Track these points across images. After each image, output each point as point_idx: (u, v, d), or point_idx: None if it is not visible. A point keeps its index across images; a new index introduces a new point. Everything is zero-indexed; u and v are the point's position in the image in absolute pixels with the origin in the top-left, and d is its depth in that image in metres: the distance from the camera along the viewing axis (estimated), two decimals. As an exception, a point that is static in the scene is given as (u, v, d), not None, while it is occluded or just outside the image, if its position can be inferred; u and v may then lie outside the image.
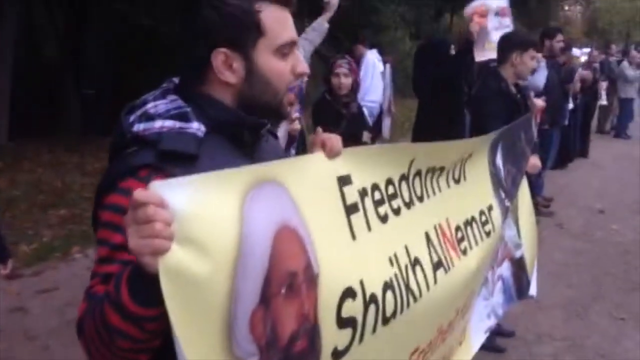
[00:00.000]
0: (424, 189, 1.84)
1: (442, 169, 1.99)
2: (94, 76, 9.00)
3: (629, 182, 7.90)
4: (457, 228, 2.05)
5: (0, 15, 7.85)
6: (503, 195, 2.58)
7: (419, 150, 1.82)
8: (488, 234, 2.29)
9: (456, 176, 2.15)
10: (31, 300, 3.94)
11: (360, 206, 1.43)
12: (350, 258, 1.33)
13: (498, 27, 5.68)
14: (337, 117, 3.83)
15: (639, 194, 7.22)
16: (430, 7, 25.09)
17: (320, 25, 3.19)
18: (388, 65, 7.44)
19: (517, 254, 3.11)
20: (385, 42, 18.92)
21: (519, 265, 3.15)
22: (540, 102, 3.15)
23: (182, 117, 1.12)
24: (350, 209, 1.39)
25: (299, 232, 1.16)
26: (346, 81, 3.86)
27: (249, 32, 1.13)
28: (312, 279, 1.15)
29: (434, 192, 1.92)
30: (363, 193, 1.46)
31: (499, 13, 6.35)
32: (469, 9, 7.00)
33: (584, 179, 8.03)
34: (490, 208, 2.38)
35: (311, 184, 1.27)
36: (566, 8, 46.37)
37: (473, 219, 2.21)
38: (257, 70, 1.16)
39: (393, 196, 1.61)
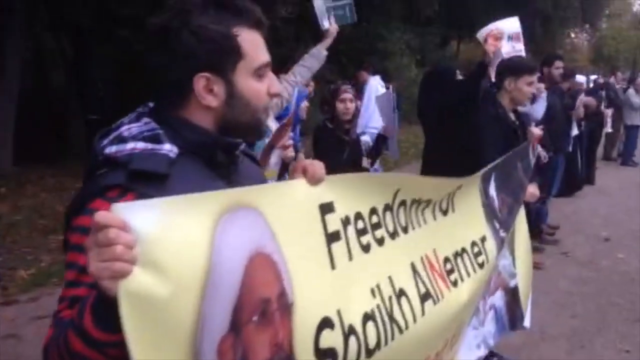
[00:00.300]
0: (409, 220, 1.81)
1: (428, 201, 1.95)
2: (98, 102, 9.07)
3: (635, 209, 7.80)
4: (446, 260, 2.01)
5: (7, 41, 7.95)
6: (498, 225, 2.54)
7: (405, 182, 1.80)
8: (481, 265, 2.24)
9: (443, 208, 2.12)
10: (26, 327, 3.89)
11: (342, 235, 1.40)
12: (328, 287, 1.30)
13: (511, 52, 5.72)
14: (339, 144, 3.82)
15: (646, 221, 7.14)
16: (436, 35, 25.37)
17: (319, 52, 3.18)
18: (391, 89, 7.41)
19: (512, 284, 3.05)
20: (391, 68, 19.07)
21: (512, 295, 3.09)
22: (537, 131, 3.12)
23: (154, 139, 1.13)
24: (332, 237, 1.36)
25: (274, 259, 1.13)
26: (351, 106, 3.87)
27: (229, 56, 1.15)
28: (286, 307, 1.11)
29: (419, 224, 1.89)
30: (346, 221, 1.43)
31: (512, 38, 6.39)
32: (482, 32, 7.05)
33: (591, 207, 7.94)
34: (483, 239, 2.34)
35: (290, 210, 1.24)
36: (572, 35, 46.69)
37: (464, 250, 2.17)
38: (238, 92, 1.18)
39: (376, 226, 1.58)
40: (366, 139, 7.11)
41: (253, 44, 1.18)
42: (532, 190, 3.19)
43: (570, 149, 6.78)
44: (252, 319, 1.02)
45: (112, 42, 9.22)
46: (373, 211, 1.58)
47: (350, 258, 1.40)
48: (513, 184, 2.79)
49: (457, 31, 28.89)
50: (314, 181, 1.29)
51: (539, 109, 5.21)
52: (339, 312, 1.26)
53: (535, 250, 5.76)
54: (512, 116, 3.27)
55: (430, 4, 22.16)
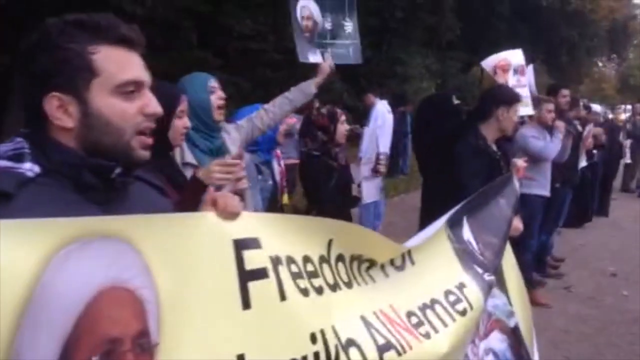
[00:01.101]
0: (352, 277, 1.72)
1: (370, 261, 1.84)
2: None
3: (648, 244, 7.54)
4: (410, 314, 1.91)
5: None
6: (480, 270, 2.40)
7: (339, 231, 1.70)
8: (463, 312, 2.11)
9: (397, 264, 2.00)
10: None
11: (270, 273, 1.31)
12: (237, 327, 1.20)
13: (516, 85, 5.62)
14: (327, 171, 3.71)
15: (657, 258, 6.87)
16: (457, 60, 25.27)
17: (307, 87, 3.06)
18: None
19: (511, 323, 2.88)
20: (410, 92, 19.01)
21: (514, 335, 2.93)
22: (520, 162, 2.97)
23: (17, 158, 1.08)
24: (251, 275, 1.27)
25: (141, 295, 1.03)
26: (344, 129, 3.81)
27: (81, 74, 1.10)
28: (146, 349, 1.01)
29: (365, 282, 1.79)
30: (276, 261, 1.36)
31: (517, 71, 6.31)
32: (489, 62, 6.98)
33: (601, 240, 7.69)
34: (462, 286, 2.22)
35: (185, 244, 1.16)
36: (600, 64, 46.21)
37: (434, 301, 2.05)
38: (94, 111, 1.12)
39: (313, 274, 1.50)
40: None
41: (114, 61, 1.12)
42: (515, 224, 3.04)
43: (579, 180, 6.56)
44: (90, 358, 0.92)
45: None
46: (307, 259, 1.51)
47: (284, 298, 1.32)
48: (496, 222, 2.65)
49: (479, 55, 28.85)
50: (226, 215, 1.23)
51: (554, 147, 5.03)
52: (249, 353, 1.18)
53: (537, 284, 5.60)
54: (494, 147, 3.13)
55: (452, 29, 22.13)
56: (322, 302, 1.46)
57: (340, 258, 1.65)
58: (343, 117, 3.86)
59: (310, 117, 5.21)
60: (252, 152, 3.30)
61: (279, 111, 3.00)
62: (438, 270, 2.17)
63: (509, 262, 3.04)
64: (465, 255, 2.35)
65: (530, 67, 8.28)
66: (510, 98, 3.13)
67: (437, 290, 2.08)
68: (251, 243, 1.27)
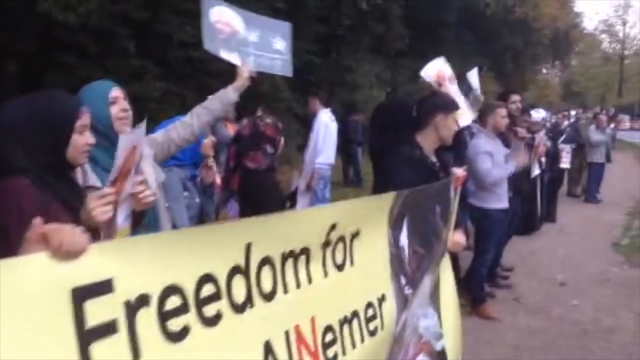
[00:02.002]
0: (280, 282, 1.44)
1: (307, 252, 1.58)
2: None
3: (595, 249, 7.54)
4: (328, 329, 1.64)
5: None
6: (403, 281, 2.16)
7: (259, 228, 1.42)
8: (373, 333, 1.87)
9: (338, 261, 1.75)
10: None
11: (123, 325, 1.01)
12: None
13: (455, 93, 5.51)
14: (272, 187, 3.44)
15: (603, 263, 6.85)
16: (408, 68, 25.43)
17: (226, 95, 2.79)
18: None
19: (438, 347, 2.67)
20: (359, 100, 18.95)
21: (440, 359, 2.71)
22: (459, 172, 2.77)
23: None
24: (93, 334, 0.96)
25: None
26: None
27: None
28: None
29: (297, 285, 1.52)
30: (138, 303, 1.05)
31: (450, 80, 6.25)
32: (428, 72, 6.88)
33: (549, 247, 7.65)
34: (382, 299, 1.98)
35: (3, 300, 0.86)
36: (544, 71, 47.56)
37: (355, 314, 1.80)
38: None
39: (209, 300, 1.21)
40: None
41: None
42: (457, 239, 2.83)
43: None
44: None
45: (58, 69, 8.82)
46: (205, 280, 1.21)
47: (138, 356, 1.03)
48: (427, 231, 2.43)
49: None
50: (62, 255, 0.94)
51: (499, 174, 4.85)
52: None
53: (487, 296, 5.45)
54: (432, 157, 2.92)
55: (400, 37, 22.22)
56: (211, 336, 1.18)
57: (265, 262, 1.39)
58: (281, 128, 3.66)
59: (258, 127, 4.94)
60: (179, 166, 3.00)
61: (198, 122, 2.71)
62: (371, 276, 1.94)
63: (447, 279, 2.83)
64: (396, 262, 2.13)
65: (475, 70, 8.23)
66: (448, 105, 2.93)
67: (361, 301, 1.85)
68: (98, 289, 0.98)
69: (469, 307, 5.09)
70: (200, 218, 3.31)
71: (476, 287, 5.08)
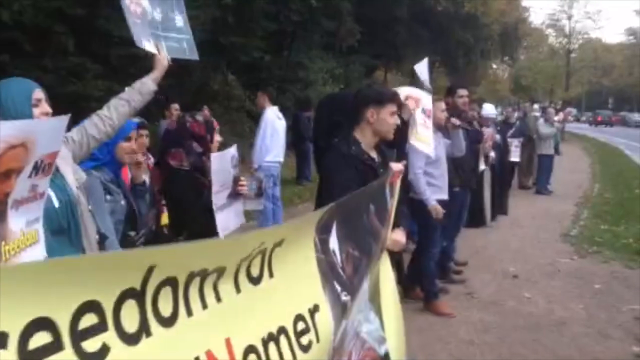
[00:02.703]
0: (183, 305, 1.26)
1: (219, 270, 1.40)
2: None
3: (546, 241, 7.61)
4: (249, 350, 1.46)
5: None
6: (339, 288, 2.01)
7: (166, 254, 1.24)
8: (306, 347, 1.70)
9: (254, 274, 1.57)
10: None
11: None
12: None
13: (423, 124, 5.45)
14: (196, 188, 3.20)
15: (554, 254, 6.89)
16: (360, 64, 25.47)
17: (144, 85, 2.59)
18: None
19: (382, 351, 2.54)
20: (313, 97, 18.81)
21: None
22: (397, 166, 2.64)
23: None
24: None
25: None
26: (217, 140, 3.35)
27: None
28: None
29: (204, 306, 1.34)
30: None
31: (425, 112, 6.20)
32: (403, 91, 6.85)
33: (502, 240, 7.67)
34: (315, 310, 1.81)
35: None
36: (494, 66, 48.46)
37: (281, 331, 1.62)
38: None
39: (89, 333, 1.01)
40: (259, 175, 6.56)
41: None
42: (397, 238, 2.70)
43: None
44: None
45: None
46: (87, 309, 1.00)
47: None
48: (362, 232, 2.29)
49: (383, 60, 29.23)
50: None
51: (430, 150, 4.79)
52: None
53: (440, 291, 5.38)
54: (372, 153, 2.78)
55: (352, 33, 22.16)
56: None
57: (166, 283, 1.20)
58: (217, 127, 3.41)
59: (184, 124, 4.67)
60: (98, 168, 2.75)
61: (117, 115, 2.51)
62: (296, 286, 1.76)
63: (387, 280, 2.71)
64: (327, 268, 1.96)
65: (424, 62, 8.17)
66: (380, 97, 2.79)
67: (288, 315, 1.67)
68: None
69: (422, 303, 5.02)
70: (131, 220, 3.07)
71: (427, 283, 5.00)
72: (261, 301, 1.56)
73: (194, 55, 3.05)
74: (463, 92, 5.57)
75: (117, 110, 2.52)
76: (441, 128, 4.98)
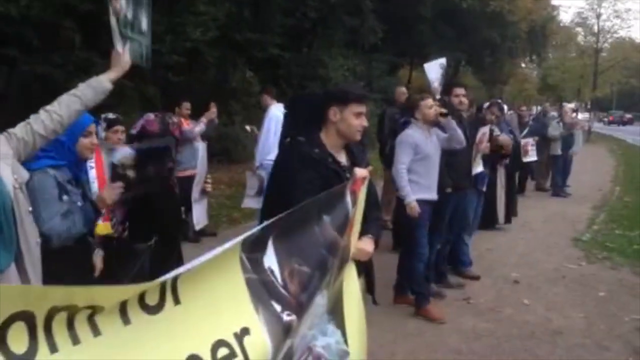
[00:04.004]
0: (43, 340, 1.16)
1: (94, 308, 1.30)
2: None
3: (555, 245, 7.36)
4: None
5: None
6: (279, 307, 1.89)
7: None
8: None
9: (151, 302, 1.46)
10: None
11: None
12: None
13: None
14: (165, 194, 3.09)
15: (561, 259, 6.66)
16: (383, 62, 25.22)
17: (100, 83, 2.49)
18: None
19: (344, 364, 2.41)
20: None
21: None
22: (362, 172, 2.49)
23: None
24: None
25: None
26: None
27: None
28: None
29: (74, 342, 1.23)
30: None
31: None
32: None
33: (509, 243, 7.44)
34: (243, 333, 1.70)
35: None
36: (523, 65, 47.60)
37: (194, 358, 1.51)
38: None
39: None
40: (261, 173, 6.45)
41: None
42: (364, 247, 2.56)
43: (481, 186, 6.20)
44: None
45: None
46: None
47: None
48: (312, 246, 2.16)
49: (408, 58, 28.91)
50: None
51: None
52: None
53: (436, 296, 5.21)
54: (338, 156, 2.65)
55: (374, 31, 21.96)
56: None
57: (19, 317, 1.11)
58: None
59: (167, 125, 4.57)
60: (55, 167, 2.67)
61: (67, 112, 2.42)
62: (215, 311, 1.65)
63: (352, 291, 2.58)
64: (261, 288, 1.85)
65: (435, 63, 7.98)
66: (344, 96, 2.64)
67: (203, 341, 1.56)
68: None
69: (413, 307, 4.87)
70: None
71: (415, 285, 4.84)
72: (164, 330, 1.46)
73: (147, 64, 2.97)
74: (460, 90, 5.37)
75: (68, 107, 2.43)
76: (435, 124, 4.81)
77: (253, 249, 1.85)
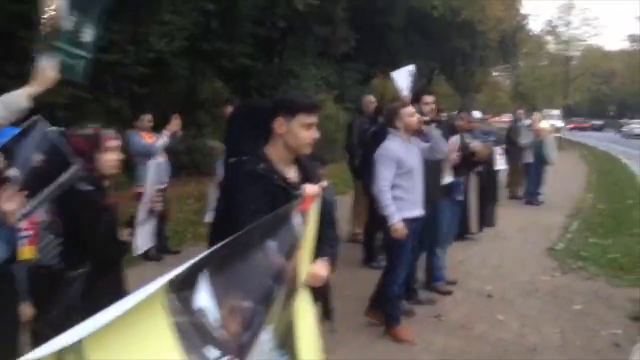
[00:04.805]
0: None
1: None
2: None
3: (529, 255, 7.21)
4: None
5: None
6: (215, 353, 1.64)
7: None
8: None
9: None
10: None
11: None
12: None
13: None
14: (97, 214, 2.78)
15: (535, 271, 6.50)
16: (356, 71, 25.16)
17: (15, 99, 2.23)
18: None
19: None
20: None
21: None
22: (312, 189, 2.25)
23: None
24: None
25: None
26: (118, 158, 2.90)
27: None
28: None
29: None
30: None
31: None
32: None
33: (482, 254, 7.27)
34: None
35: None
36: (495, 73, 48.11)
37: None
38: None
39: None
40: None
41: None
42: (317, 271, 2.32)
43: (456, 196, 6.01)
44: None
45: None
46: None
47: None
48: (255, 277, 1.90)
49: (380, 68, 28.88)
50: None
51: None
52: None
53: (407, 313, 4.99)
54: (287, 172, 2.42)
55: (346, 40, 21.89)
56: None
57: None
58: (114, 143, 2.90)
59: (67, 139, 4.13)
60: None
61: None
62: None
63: (306, 321, 2.33)
64: (193, 332, 1.58)
65: (403, 70, 7.80)
66: (292, 105, 2.40)
67: None
68: None
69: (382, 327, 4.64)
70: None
71: (388, 307, 4.60)
72: None
73: (84, 79, 2.71)
74: (429, 98, 5.19)
75: None
76: (415, 132, 4.59)
77: (183, 288, 1.58)
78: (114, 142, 2.85)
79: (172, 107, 11.94)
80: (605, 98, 58.82)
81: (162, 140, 6.67)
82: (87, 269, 2.66)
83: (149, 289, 1.44)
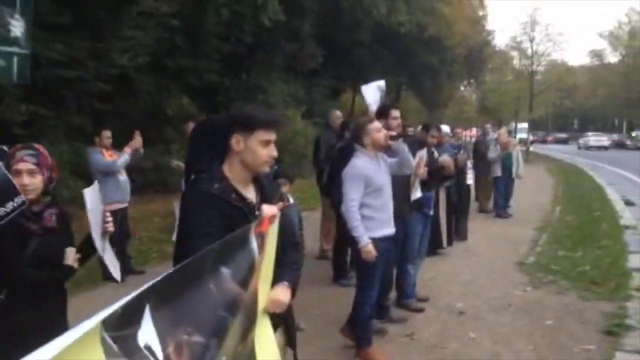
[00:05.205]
0: None
1: None
2: None
3: (499, 270, 7.13)
4: None
5: None
6: None
7: None
8: None
9: None
10: None
11: None
12: None
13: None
14: (22, 238, 2.52)
15: (506, 286, 6.42)
16: (324, 86, 25.17)
17: None
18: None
19: None
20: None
21: None
22: (270, 210, 2.09)
23: None
24: None
25: None
26: (33, 182, 2.51)
27: None
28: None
29: None
30: None
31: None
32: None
33: (453, 270, 7.17)
34: None
35: None
36: (462, 88, 48.82)
37: None
38: None
39: None
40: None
41: None
42: (278, 297, 2.15)
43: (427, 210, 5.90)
44: None
45: None
46: None
47: None
48: (206, 309, 1.73)
49: (349, 83, 28.93)
50: None
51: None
52: None
53: (378, 333, 4.84)
54: (245, 192, 2.25)
55: (314, 57, 21.89)
56: None
57: None
58: (23, 164, 2.57)
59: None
60: None
61: None
62: None
63: (267, 350, 2.16)
64: None
65: (372, 85, 7.75)
66: (249, 121, 2.24)
67: None
68: None
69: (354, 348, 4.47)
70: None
71: (359, 328, 4.43)
72: None
73: (25, 78, 2.49)
74: (396, 113, 5.09)
75: None
76: (382, 148, 4.46)
77: (121, 326, 1.39)
78: (22, 165, 2.49)
79: (137, 124, 11.68)
80: (568, 112, 60.16)
81: (123, 158, 6.45)
82: (4, 296, 2.42)
83: (84, 327, 1.26)
